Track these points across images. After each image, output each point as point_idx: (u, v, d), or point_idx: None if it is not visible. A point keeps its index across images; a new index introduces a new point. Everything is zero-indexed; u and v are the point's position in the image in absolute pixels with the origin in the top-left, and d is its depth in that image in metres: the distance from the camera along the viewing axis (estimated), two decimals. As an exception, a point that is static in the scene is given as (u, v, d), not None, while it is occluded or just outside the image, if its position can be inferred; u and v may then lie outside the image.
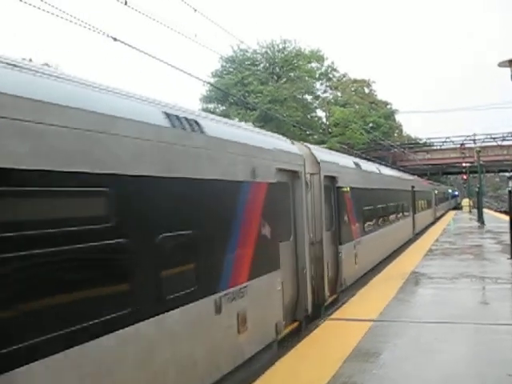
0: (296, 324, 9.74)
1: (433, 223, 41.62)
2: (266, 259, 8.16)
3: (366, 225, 16.26)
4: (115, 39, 11.80)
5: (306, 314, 10.04)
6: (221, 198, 7.00)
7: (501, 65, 12.93)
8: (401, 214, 24.70)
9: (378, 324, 9.41)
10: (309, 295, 10.12)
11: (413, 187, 30.45)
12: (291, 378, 6.84)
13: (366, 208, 16.41)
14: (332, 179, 12.74)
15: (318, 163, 11.59)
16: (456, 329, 9.09)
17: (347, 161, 16.07)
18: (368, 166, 19.72)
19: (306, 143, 12.88)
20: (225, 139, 7.33)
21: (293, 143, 10.99)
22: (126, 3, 11.08)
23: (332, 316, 10.14)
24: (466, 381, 6.65)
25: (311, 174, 11.05)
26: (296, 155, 10.33)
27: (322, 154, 12.86)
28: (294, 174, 10.03)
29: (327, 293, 11.56)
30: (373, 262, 16.93)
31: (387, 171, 25.00)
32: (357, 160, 18.02)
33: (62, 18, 10.63)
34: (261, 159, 8.28)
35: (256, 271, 7.64)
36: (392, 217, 21.97)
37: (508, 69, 12.85)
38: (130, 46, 12.36)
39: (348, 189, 13.88)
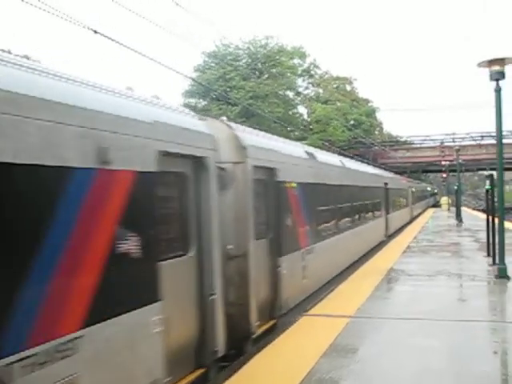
0: (198, 373, 6.87)
1: (409, 223, 39.23)
2: (127, 289, 5.36)
3: (321, 229, 13.48)
4: (96, 32, 11.65)
5: (215, 358, 7.18)
6: (23, 194, 4.25)
7: (480, 65, 12.98)
8: (370, 214, 22.06)
9: (356, 320, 9.43)
10: (219, 331, 7.22)
11: (386, 184, 27.51)
12: (267, 374, 6.82)
13: (322, 208, 13.71)
14: (269, 171, 9.88)
15: (244, 148, 8.69)
16: (433, 325, 9.15)
17: (295, 149, 13.06)
18: (327, 157, 16.98)
19: (228, 121, 9.56)
20: (29, 96, 4.38)
21: (203, 119, 8.21)
22: (106, -6, 10.91)
23: (309, 312, 10.13)
24: (441, 377, 6.69)
25: (234, 163, 8.53)
26: (201, 135, 7.40)
27: (253, 136, 9.93)
28: (198, 162, 7.15)
29: (255, 321, 8.65)
30: (330, 273, 14.28)
31: (354, 165, 21.96)
32: (311, 149, 15.17)
33: (40, 9, 10.46)
34: (121, 135, 5.43)
35: (103, 311, 4.89)
36: (358, 218, 19.25)
37: (487, 69, 12.91)
38: (110, 39, 12.22)
39: (294, 184, 11.16)
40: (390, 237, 26.41)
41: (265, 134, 11.69)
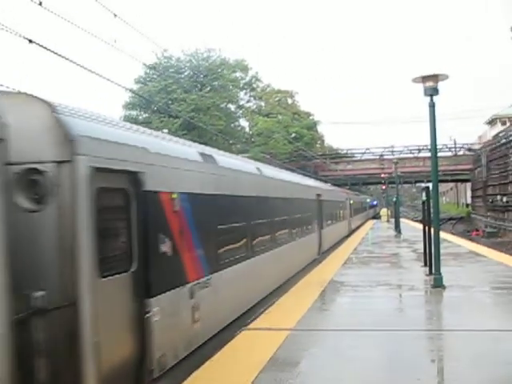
0: None
1: (348, 236, 37.67)
2: None
3: (223, 254, 10.48)
4: (31, 41, 11.37)
5: None
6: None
7: (415, 80, 13.32)
8: (298, 230, 19.01)
9: (296, 333, 9.42)
10: None
11: (319, 196, 25.07)
12: (207, 389, 6.70)
13: (226, 227, 10.72)
14: (128, 176, 6.93)
15: (73, 140, 5.83)
16: (372, 336, 9.26)
17: (180, 148, 9.79)
18: (236, 162, 13.75)
19: (41, 98, 6.07)
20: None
21: None
22: (40, 4, 10.68)
23: (249, 326, 10.05)
24: (379, 387, 6.75)
25: (55, 163, 5.73)
26: None
27: (94, 124, 6.77)
28: None
29: None
30: (239, 307, 11.32)
31: (277, 174, 18.28)
32: (211, 151, 11.77)
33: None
34: None
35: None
36: (281, 235, 16.26)
37: (421, 84, 13.27)
38: (46, 48, 11.95)
39: (176, 195, 8.26)
40: (324, 253, 24.17)
41: (131, 125, 8.68)
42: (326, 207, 27.09)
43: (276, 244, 15.37)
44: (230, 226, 11.09)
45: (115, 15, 15.63)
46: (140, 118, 58.19)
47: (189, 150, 10.07)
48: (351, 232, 41.48)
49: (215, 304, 9.55)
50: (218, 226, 10.19)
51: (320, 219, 24.42)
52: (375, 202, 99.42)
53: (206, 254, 9.31)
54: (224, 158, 11.99)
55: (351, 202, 45.14)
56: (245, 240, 12.30)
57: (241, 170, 12.96)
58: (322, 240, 24.41)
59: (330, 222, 28.85)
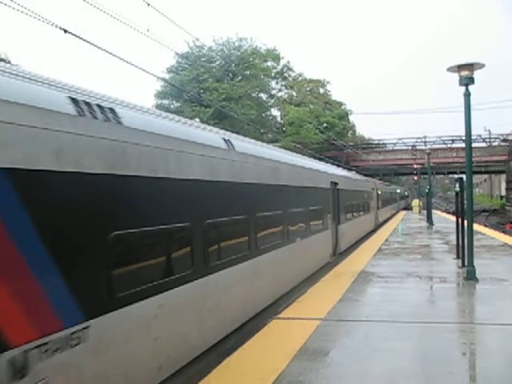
0: None
1: (374, 231, 33.35)
2: None
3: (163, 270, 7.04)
4: (66, 31, 11.49)
5: None
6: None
7: (450, 70, 13.14)
8: (302, 227, 14.87)
9: (326, 323, 9.44)
10: None
11: (335, 184, 20.44)
12: (237, 377, 6.78)
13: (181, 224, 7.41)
14: None
15: None
16: (403, 327, 9.21)
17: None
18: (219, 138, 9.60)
19: None
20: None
21: None
22: (76, -6, 10.79)
23: (280, 315, 10.12)
24: (410, 378, 6.73)
25: None
26: None
27: None
28: None
29: None
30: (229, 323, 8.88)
31: (256, 149, 12.13)
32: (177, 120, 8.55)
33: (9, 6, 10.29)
34: None
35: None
36: (279, 235, 12.44)
37: (456, 74, 13.09)
38: (81, 38, 12.06)
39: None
40: (342, 254, 20.57)
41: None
42: (345, 198, 22.76)
43: (274, 246, 11.62)
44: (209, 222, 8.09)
45: (148, 4, 15.70)
46: (172, 106, 58.49)
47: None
48: (378, 226, 37.11)
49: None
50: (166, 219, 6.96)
51: (336, 213, 20.09)
52: (406, 193, 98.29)
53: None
54: (196, 131, 8.69)
55: (379, 192, 39.88)
56: (228, 243, 9.32)
57: (215, 148, 8.91)
58: (338, 238, 20.28)
59: (350, 215, 24.25)
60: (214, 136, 9.46)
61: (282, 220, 12.60)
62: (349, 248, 22.43)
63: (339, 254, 20.11)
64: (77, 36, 11.79)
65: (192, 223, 7.60)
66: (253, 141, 13.14)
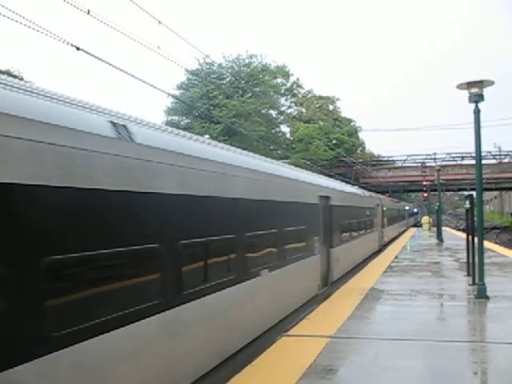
0: None
1: (379, 251, 30.13)
2: None
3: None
4: (78, 48, 11.62)
5: None
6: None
7: (459, 87, 13.16)
8: (271, 256, 11.16)
9: (336, 340, 9.39)
10: None
11: (326, 200, 16.71)
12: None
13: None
14: None
15: None
16: (413, 345, 9.14)
17: None
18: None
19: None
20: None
21: None
22: (88, 13, 10.92)
23: (289, 332, 10.07)
24: (420, 398, 6.67)
25: None
26: None
27: None
28: None
29: None
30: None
31: (222, 153, 9.78)
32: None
33: (24, 25, 10.42)
34: None
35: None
36: (225, 271, 8.88)
37: (466, 91, 13.11)
38: (93, 55, 12.19)
39: None
40: (335, 283, 16.96)
41: None
42: (341, 216, 19.09)
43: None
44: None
45: (159, 22, 15.85)
46: (182, 123, 58.81)
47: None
48: (384, 246, 33.49)
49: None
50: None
51: (328, 234, 16.46)
52: (416, 210, 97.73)
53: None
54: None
55: (384, 208, 36.22)
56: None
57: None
58: (331, 264, 16.74)
59: (347, 236, 20.63)
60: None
61: (229, 248, 8.92)
62: (343, 276, 18.56)
63: (333, 283, 16.75)
64: (89, 53, 11.92)
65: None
66: (175, 130, 9.03)
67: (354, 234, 22.74)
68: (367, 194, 32.23)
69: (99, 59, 12.26)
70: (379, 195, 39.58)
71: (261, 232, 10.38)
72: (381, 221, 33.56)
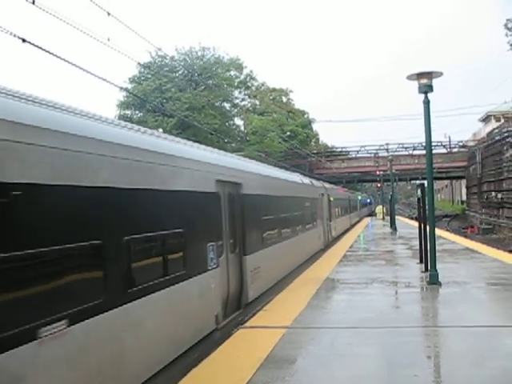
0: None
1: (326, 248, 25.84)
2: None
3: None
4: (24, 40, 11.31)
5: None
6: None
7: (409, 78, 13.36)
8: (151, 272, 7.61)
9: (293, 331, 9.43)
10: None
11: (234, 186, 12.08)
12: (204, 388, 6.71)
13: None
14: None
15: None
16: (369, 333, 9.27)
17: None
18: None
19: None
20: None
21: None
22: (33, 2, 10.63)
23: (245, 324, 10.08)
24: (376, 383, 6.77)
25: None
26: None
27: None
28: None
29: None
30: None
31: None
32: None
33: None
34: None
35: None
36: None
37: (416, 82, 13.32)
38: (40, 48, 11.89)
39: None
40: (256, 302, 12.45)
41: None
42: (261, 209, 14.32)
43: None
44: None
45: (109, 14, 15.56)
46: (135, 117, 58.05)
47: None
48: (331, 241, 29.04)
49: None
50: None
51: (240, 235, 12.03)
52: (369, 200, 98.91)
53: None
54: None
55: (331, 199, 31.63)
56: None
57: None
58: (245, 279, 12.14)
59: (272, 236, 15.52)
60: None
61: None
62: (267, 291, 13.86)
63: (251, 304, 12.24)
64: (36, 46, 11.61)
65: None
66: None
67: (286, 232, 17.46)
68: (307, 181, 25.86)
69: (47, 51, 11.97)
70: (325, 184, 33.81)
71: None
72: (327, 213, 29.17)
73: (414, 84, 13.35)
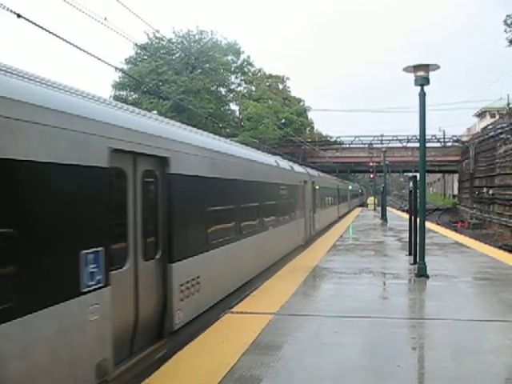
0: None
1: (305, 246, 22.12)
2: None
3: None
4: (19, 16, 11.20)
5: None
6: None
7: (406, 70, 13.36)
8: None
9: (279, 317, 9.48)
10: None
11: (152, 161, 8.25)
12: (188, 371, 6.74)
13: None
14: None
15: None
16: (355, 322, 9.32)
17: None
18: None
19: None
20: None
21: None
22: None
23: (232, 309, 10.11)
24: (359, 372, 6.82)
25: None
26: None
27: None
28: None
29: None
30: None
31: None
32: None
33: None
34: None
35: None
36: None
37: (412, 74, 13.32)
38: (35, 24, 11.78)
39: None
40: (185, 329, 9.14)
41: None
42: (200, 198, 10.15)
43: None
44: None
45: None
46: (130, 98, 57.76)
47: None
48: (314, 236, 25.84)
49: None
50: None
51: (163, 238, 8.43)
52: (360, 190, 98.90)
53: None
54: None
55: (316, 187, 28.14)
56: None
57: None
58: (170, 298, 8.42)
59: (223, 232, 11.53)
60: None
61: None
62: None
63: (179, 331, 8.75)
64: (31, 21, 11.51)
65: None
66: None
67: (245, 228, 13.30)
68: (284, 164, 21.30)
69: (42, 28, 11.88)
70: (310, 170, 30.08)
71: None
72: (311, 203, 25.44)
73: (412, 76, 13.35)
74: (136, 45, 45.48)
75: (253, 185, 14.55)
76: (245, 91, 70.79)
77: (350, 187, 68.13)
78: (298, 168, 24.69)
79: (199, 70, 60.18)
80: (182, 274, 8.82)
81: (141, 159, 7.76)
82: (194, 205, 9.84)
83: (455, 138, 72.24)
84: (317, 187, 28.14)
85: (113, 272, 6.71)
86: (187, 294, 8.98)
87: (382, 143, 68.50)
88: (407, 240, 17.98)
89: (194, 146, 10.20)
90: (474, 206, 56.50)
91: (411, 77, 13.36)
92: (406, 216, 21.76)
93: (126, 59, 60.13)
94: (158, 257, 8.24)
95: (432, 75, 13.29)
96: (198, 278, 9.52)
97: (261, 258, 15.00)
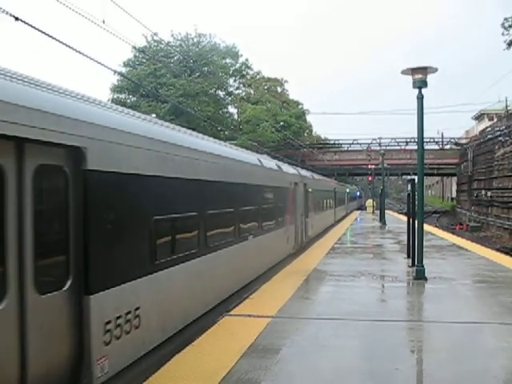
0: None
1: (295, 254, 19.88)
2: None
3: None
4: (17, 18, 11.19)
5: None
6: None
7: (404, 72, 13.36)
8: None
9: (277, 320, 9.46)
10: None
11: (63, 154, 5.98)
12: (186, 374, 6.72)
13: None
14: None
15: None
16: (353, 325, 9.30)
17: None
18: None
19: None
20: None
21: None
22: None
23: (231, 312, 10.09)
24: (357, 375, 6.82)
25: None
26: None
27: None
28: None
29: None
30: None
31: None
32: None
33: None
34: None
35: None
36: None
37: (410, 76, 13.33)
38: (33, 27, 11.77)
39: None
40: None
41: None
42: (142, 202, 7.70)
43: None
44: None
45: (106, -4, 15.43)
46: (128, 101, 57.69)
47: None
48: (306, 243, 23.73)
49: None
50: None
51: (75, 258, 6.06)
52: (359, 193, 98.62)
53: None
54: None
55: (309, 189, 25.92)
56: None
57: None
58: (90, 353, 6.08)
59: (180, 246, 9.16)
60: None
61: None
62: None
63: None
64: (29, 24, 11.50)
65: None
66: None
67: (214, 238, 10.96)
68: (271, 164, 19.36)
69: (39, 31, 11.86)
70: (302, 170, 28.14)
71: None
72: (303, 207, 23.41)
73: (410, 79, 13.36)
74: (134, 48, 45.49)
75: (225, 187, 12.06)
76: (243, 94, 70.81)
77: (348, 190, 66.65)
78: (287, 168, 22.76)
79: (197, 73, 60.13)
80: (108, 309, 6.51)
81: (33, 149, 5.46)
82: (132, 212, 7.46)
83: (454, 141, 72.32)
84: (310, 189, 25.90)
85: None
86: (118, 334, 6.67)
87: (380, 146, 68.46)
88: (406, 242, 17.97)
89: (132, 135, 7.64)
90: (473, 208, 56.49)
91: (410, 79, 13.37)
92: (405, 219, 21.73)
93: (124, 62, 60.06)
94: (66, 287, 5.91)
95: (430, 78, 13.32)
96: (136, 310, 7.17)
97: (237, 273, 12.81)
